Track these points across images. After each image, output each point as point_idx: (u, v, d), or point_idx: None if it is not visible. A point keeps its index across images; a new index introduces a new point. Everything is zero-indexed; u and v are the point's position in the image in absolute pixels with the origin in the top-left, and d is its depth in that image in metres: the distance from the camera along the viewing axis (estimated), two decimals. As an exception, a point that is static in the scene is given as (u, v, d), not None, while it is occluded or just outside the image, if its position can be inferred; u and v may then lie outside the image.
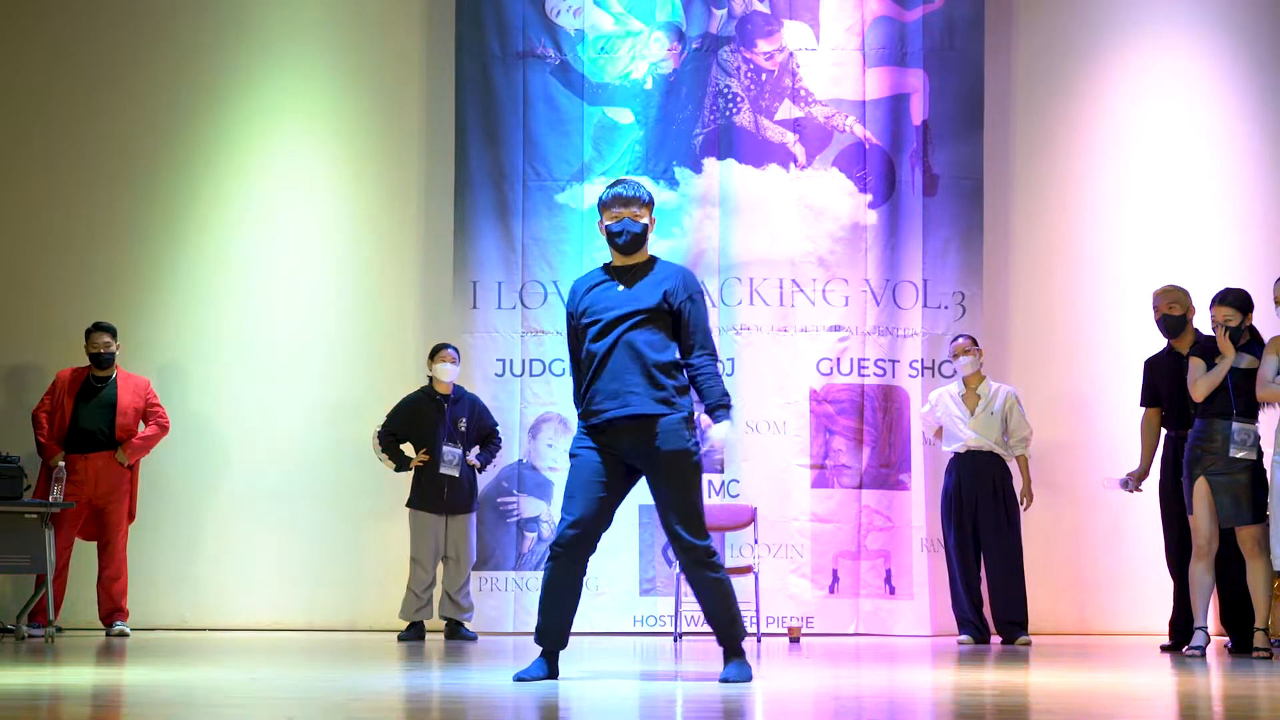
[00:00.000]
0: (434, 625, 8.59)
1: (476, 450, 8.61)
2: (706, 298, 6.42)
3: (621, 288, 5.69)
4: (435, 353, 8.59)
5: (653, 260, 5.79)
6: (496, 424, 8.76)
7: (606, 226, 5.75)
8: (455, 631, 8.48)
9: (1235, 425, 7.25)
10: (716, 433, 5.65)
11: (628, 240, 5.70)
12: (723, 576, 5.59)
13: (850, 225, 9.18)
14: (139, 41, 9.60)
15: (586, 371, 5.72)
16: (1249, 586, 7.32)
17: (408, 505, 8.50)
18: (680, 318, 5.67)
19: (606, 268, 5.81)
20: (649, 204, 5.78)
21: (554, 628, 5.67)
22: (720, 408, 5.63)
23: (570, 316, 5.84)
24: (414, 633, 8.42)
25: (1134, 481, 8.09)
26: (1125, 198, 9.49)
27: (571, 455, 5.75)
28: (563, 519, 5.62)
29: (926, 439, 8.83)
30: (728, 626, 5.60)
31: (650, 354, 5.60)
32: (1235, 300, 7.36)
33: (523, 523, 9.06)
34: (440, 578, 8.52)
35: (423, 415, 8.51)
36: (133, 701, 5.10)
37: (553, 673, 5.64)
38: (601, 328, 5.66)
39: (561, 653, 5.72)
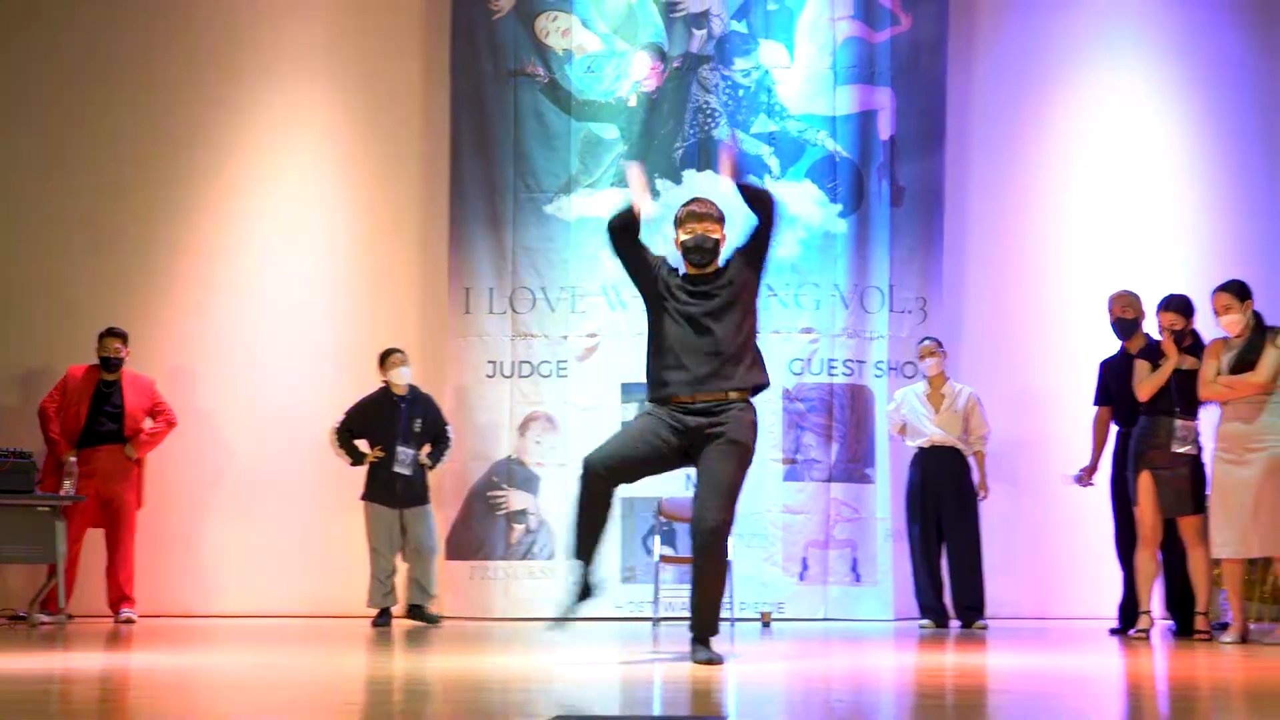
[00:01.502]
0: (401, 611, 8.56)
1: (428, 449, 8.62)
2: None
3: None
4: (385, 358, 8.58)
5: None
6: (448, 424, 8.76)
7: (682, 241, 5.75)
8: (418, 614, 8.47)
9: (1177, 423, 7.29)
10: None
11: (699, 257, 5.73)
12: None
13: (822, 233, 9.20)
14: (151, 59, 9.56)
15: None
16: (1190, 573, 7.36)
17: (362, 498, 8.50)
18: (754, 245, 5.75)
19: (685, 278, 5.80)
20: (722, 219, 5.78)
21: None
22: None
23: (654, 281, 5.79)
24: (384, 619, 8.42)
25: (1087, 475, 8.14)
26: (1076, 208, 9.54)
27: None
28: None
29: (891, 435, 8.85)
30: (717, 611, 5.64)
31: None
32: (1179, 306, 7.41)
33: (511, 515, 9.06)
34: (407, 567, 8.52)
35: (380, 414, 8.51)
36: (138, 684, 5.10)
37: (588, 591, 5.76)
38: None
39: (545, 640, 5.71)
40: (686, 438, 5.64)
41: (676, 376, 5.64)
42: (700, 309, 5.66)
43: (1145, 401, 7.37)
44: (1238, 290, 7.09)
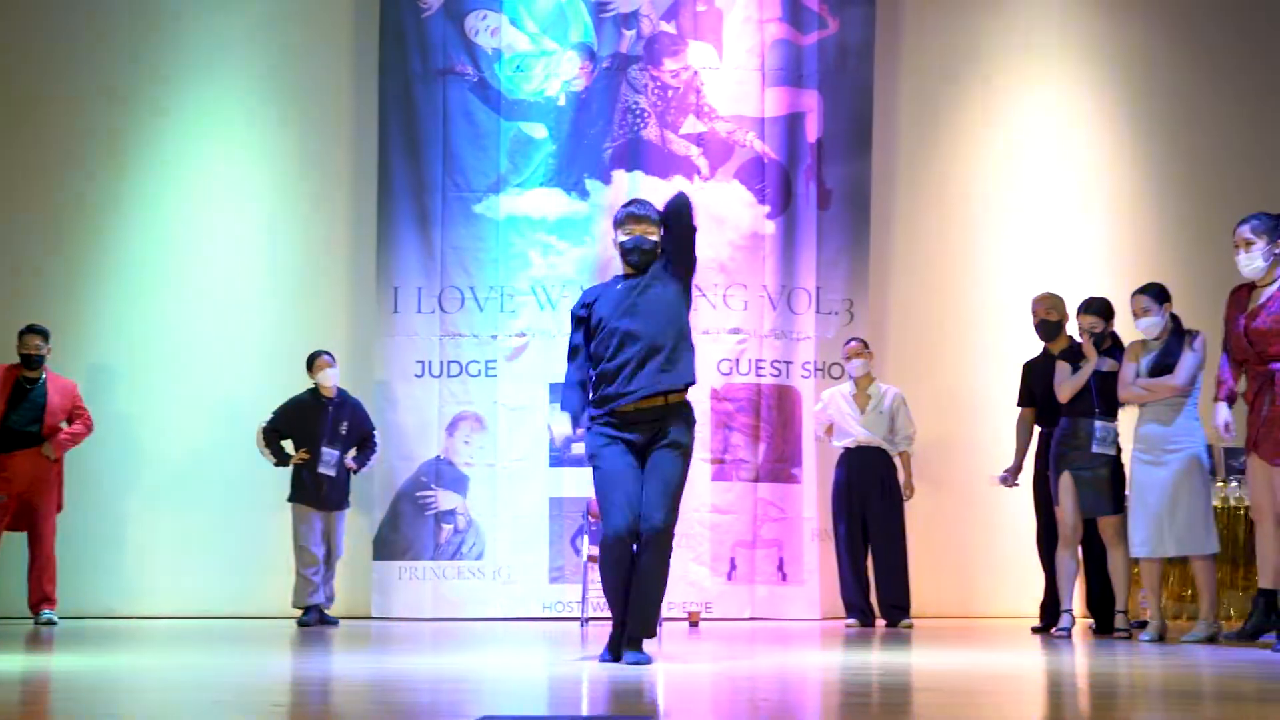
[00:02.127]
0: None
1: (354, 452, 8.61)
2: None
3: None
4: (313, 361, 8.57)
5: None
6: (374, 428, 8.76)
7: (620, 243, 5.83)
8: (319, 616, 8.46)
9: (1097, 424, 7.42)
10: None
11: (637, 258, 5.80)
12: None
13: (750, 234, 9.27)
14: (75, 51, 9.45)
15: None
16: (1110, 572, 7.51)
17: (289, 500, 8.49)
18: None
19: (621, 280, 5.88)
20: (659, 222, 5.84)
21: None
22: None
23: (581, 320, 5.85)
24: (312, 617, 8.40)
25: (1012, 476, 8.26)
26: (1000, 212, 9.70)
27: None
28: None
29: (818, 435, 8.94)
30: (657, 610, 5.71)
31: None
32: (1099, 309, 7.54)
33: (440, 515, 9.05)
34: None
35: (307, 416, 8.51)
36: (59, 687, 5.05)
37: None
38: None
39: (471, 638, 5.72)
40: (639, 446, 5.69)
41: (615, 389, 5.67)
42: (631, 318, 5.70)
43: (1065, 403, 7.51)
44: (1156, 293, 7.21)
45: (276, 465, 8.50)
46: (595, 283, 9.11)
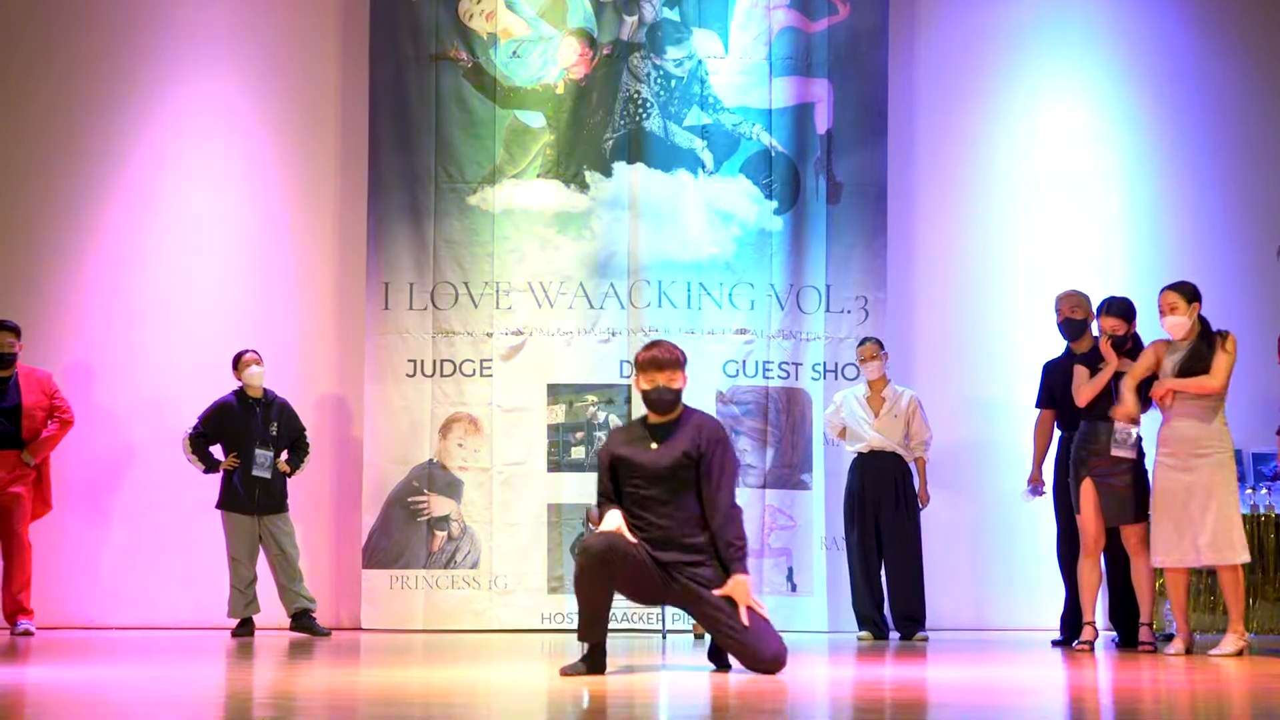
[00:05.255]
0: (264, 621, 8.53)
1: (286, 455, 8.61)
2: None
3: (655, 445, 5.96)
4: (239, 360, 8.57)
5: (687, 412, 6.07)
6: (305, 428, 8.76)
7: (644, 391, 5.97)
8: (306, 625, 8.46)
9: (1117, 426, 7.40)
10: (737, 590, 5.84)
11: (662, 409, 5.98)
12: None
13: (756, 231, 9.26)
14: (51, 36, 9.43)
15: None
16: (1133, 583, 7.49)
17: (218, 507, 8.48)
18: (702, 466, 5.93)
19: (644, 422, 6.09)
20: (682, 364, 6.00)
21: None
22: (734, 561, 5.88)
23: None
24: (245, 629, 8.40)
25: (1040, 486, 8.20)
26: (1026, 204, 9.64)
27: None
28: None
29: (829, 440, 8.92)
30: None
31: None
32: (1119, 310, 7.52)
33: (433, 522, 9.04)
34: (274, 575, 8.52)
35: (235, 418, 8.50)
36: (34, 700, 5.04)
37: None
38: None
39: (466, 650, 5.74)
40: None
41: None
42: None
43: (1084, 406, 7.50)
44: (1187, 292, 7.17)
45: (205, 473, 8.51)
46: (594, 280, 9.16)
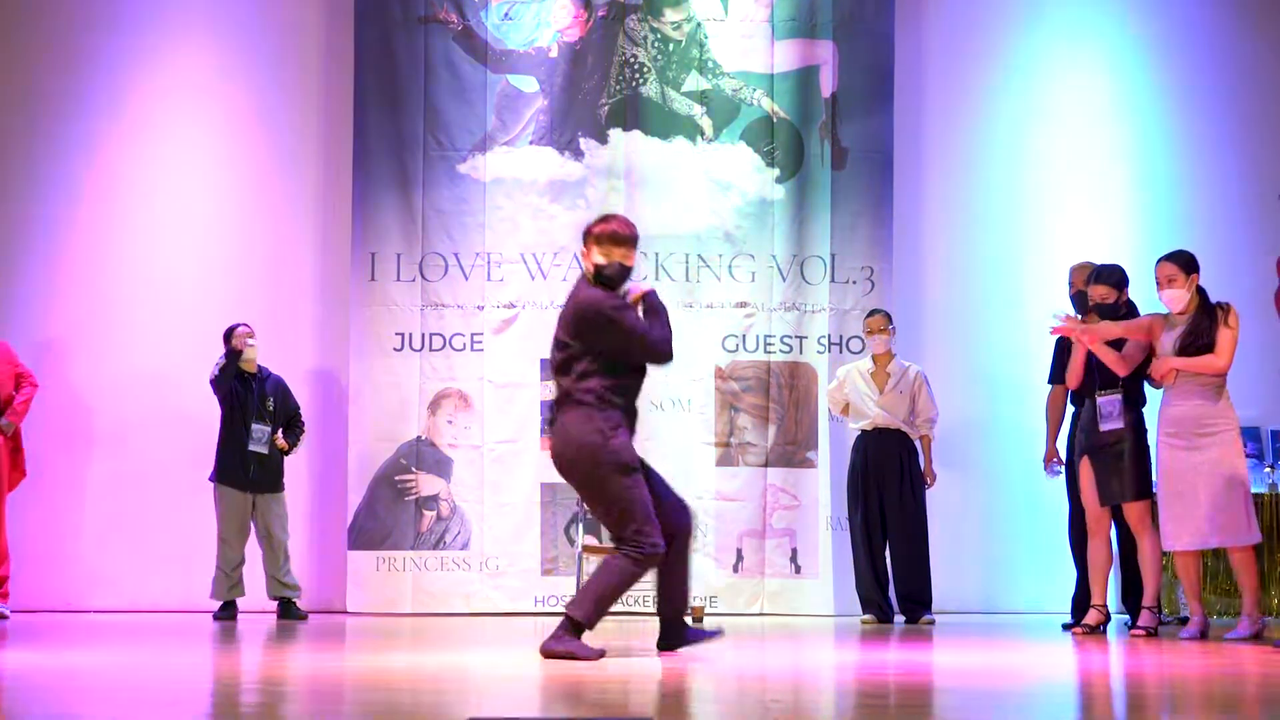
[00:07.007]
0: (248, 604, 8.53)
1: (282, 432, 8.61)
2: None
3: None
4: (231, 333, 8.55)
5: None
6: (299, 406, 8.76)
7: (597, 264, 5.84)
8: (287, 611, 8.46)
9: (1100, 399, 7.36)
10: None
11: (614, 284, 5.91)
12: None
13: (757, 200, 9.22)
14: (20, 12, 9.39)
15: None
16: (1139, 563, 7.44)
17: (211, 479, 8.46)
18: None
19: None
20: (636, 241, 5.96)
21: None
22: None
23: None
24: (227, 612, 8.39)
25: (1057, 464, 8.14)
26: (1039, 172, 9.60)
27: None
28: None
29: (833, 416, 8.90)
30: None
31: None
32: (1109, 278, 7.47)
33: (421, 501, 9.02)
34: (261, 559, 8.51)
35: (234, 389, 8.51)
36: (7, 685, 5.03)
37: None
38: None
39: (456, 634, 5.73)
40: None
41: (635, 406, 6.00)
42: None
43: (1076, 388, 7.50)
44: (1185, 262, 7.08)
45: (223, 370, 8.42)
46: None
